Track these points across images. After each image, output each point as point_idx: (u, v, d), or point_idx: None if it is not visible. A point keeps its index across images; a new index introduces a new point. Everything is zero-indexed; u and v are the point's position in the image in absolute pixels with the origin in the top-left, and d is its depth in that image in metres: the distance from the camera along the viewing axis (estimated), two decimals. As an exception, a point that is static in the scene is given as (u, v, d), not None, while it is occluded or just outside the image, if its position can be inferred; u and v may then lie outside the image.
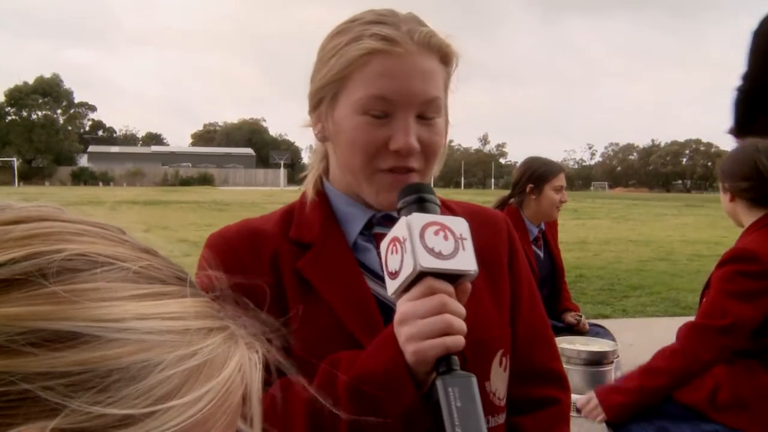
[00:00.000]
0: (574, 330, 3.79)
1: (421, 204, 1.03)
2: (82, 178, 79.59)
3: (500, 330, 1.25)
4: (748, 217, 2.57)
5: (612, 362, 3.33)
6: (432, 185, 1.20)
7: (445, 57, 1.17)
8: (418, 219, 0.98)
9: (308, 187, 1.29)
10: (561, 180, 3.78)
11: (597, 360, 3.26)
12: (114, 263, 0.45)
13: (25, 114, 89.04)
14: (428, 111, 1.14)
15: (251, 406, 0.49)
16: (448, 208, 1.31)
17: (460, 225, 1.00)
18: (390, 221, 1.20)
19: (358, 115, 1.13)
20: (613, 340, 3.75)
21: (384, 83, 1.11)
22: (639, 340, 5.41)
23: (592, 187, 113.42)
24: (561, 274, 4.01)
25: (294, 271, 1.18)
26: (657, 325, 6.63)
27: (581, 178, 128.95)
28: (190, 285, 0.49)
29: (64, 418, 0.38)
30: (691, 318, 2.54)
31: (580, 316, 3.90)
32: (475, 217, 1.32)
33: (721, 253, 2.55)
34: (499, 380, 1.23)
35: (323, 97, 1.18)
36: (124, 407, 0.39)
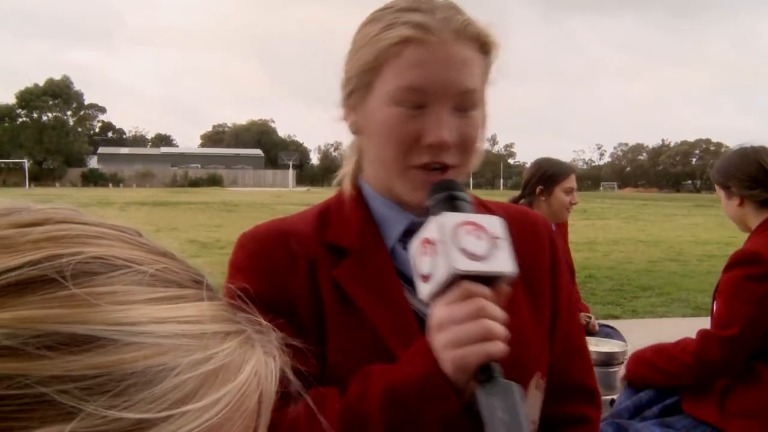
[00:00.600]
0: (584, 331, 3.77)
1: (452, 202, 0.98)
2: (92, 179, 79.97)
3: (539, 349, 1.20)
4: (756, 219, 2.56)
5: (622, 363, 3.32)
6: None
7: (484, 46, 1.09)
8: (450, 219, 0.93)
9: (344, 184, 1.22)
10: (571, 181, 3.76)
11: (607, 361, 3.25)
12: (131, 266, 0.45)
13: (35, 116, 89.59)
14: (464, 103, 1.07)
15: (263, 412, 0.49)
16: (486, 209, 1.25)
17: (494, 224, 0.95)
18: None
19: (391, 106, 1.06)
20: (623, 340, 3.73)
21: (418, 73, 1.04)
22: (649, 341, 5.37)
23: (601, 188, 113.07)
24: (571, 276, 3.99)
25: (331, 279, 1.12)
26: (667, 326, 6.60)
27: (590, 179, 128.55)
28: (206, 288, 0.49)
29: (80, 422, 0.38)
30: (701, 318, 2.55)
31: (590, 317, 3.88)
32: (514, 219, 1.25)
33: (731, 254, 2.54)
34: (534, 403, 1.18)
35: (355, 88, 1.12)
36: (140, 411, 0.39)
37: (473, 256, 0.91)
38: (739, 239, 2.67)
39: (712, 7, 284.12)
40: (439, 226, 0.93)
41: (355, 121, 1.15)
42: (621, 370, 2.81)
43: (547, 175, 3.72)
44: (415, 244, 0.96)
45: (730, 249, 2.77)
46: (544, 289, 1.23)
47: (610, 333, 3.87)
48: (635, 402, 2.70)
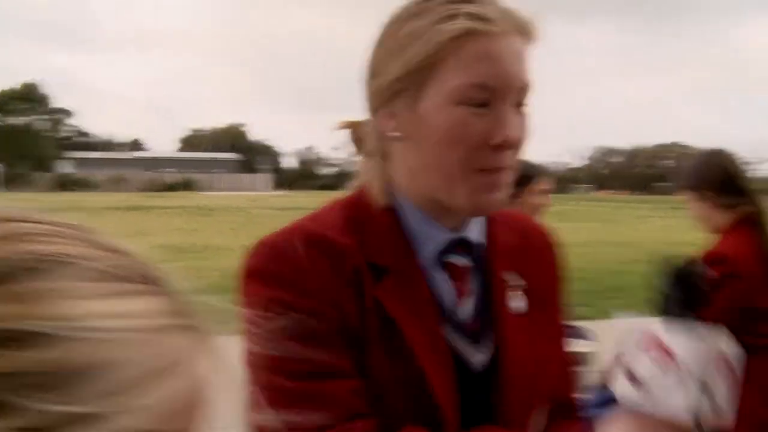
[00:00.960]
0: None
1: (700, 307, 0.81)
2: (64, 184, 78.96)
3: (555, 375, 1.17)
4: (723, 221, 2.63)
5: (591, 363, 3.36)
6: None
7: (530, 38, 1.02)
8: (706, 347, 0.78)
9: (375, 194, 1.08)
10: (544, 184, 3.79)
11: (575, 361, 3.28)
12: (79, 262, 0.45)
13: (6, 120, 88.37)
14: (522, 99, 1.01)
15: (212, 408, 0.49)
16: (492, 219, 1.15)
17: (734, 358, 0.80)
18: (465, 248, 1.09)
19: (455, 106, 0.97)
20: (594, 341, 3.77)
21: (485, 68, 0.96)
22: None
23: (577, 190, 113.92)
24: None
25: (372, 297, 1.01)
26: (639, 327, 6.68)
27: (566, 181, 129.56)
28: (158, 283, 0.49)
29: (21, 418, 0.38)
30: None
31: None
32: (519, 230, 1.19)
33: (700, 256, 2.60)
34: (538, 429, 1.15)
35: (402, 89, 1.01)
36: (83, 406, 0.39)
37: (715, 406, 0.78)
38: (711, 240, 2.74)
39: (688, 12, 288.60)
40: (692, 350, 0.78)
41: (400, 126, 1.03)
42: (591, 370, 2.85)
43: (519, 178, 3.74)
44: (644, 340, 0.82)
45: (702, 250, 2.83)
46: (554, 307, 1.20)
47: (581, 333, 3.91)
48: (600, 397, 2.76)
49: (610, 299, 8.69)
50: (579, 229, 20.10)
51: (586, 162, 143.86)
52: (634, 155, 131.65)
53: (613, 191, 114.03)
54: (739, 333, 2.45)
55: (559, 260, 1.24)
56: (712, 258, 2.51)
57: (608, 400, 2.65)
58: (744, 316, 2.46)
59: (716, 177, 2.63)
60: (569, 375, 1.25)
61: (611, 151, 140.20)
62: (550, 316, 1.18)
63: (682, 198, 2.78)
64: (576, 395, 1.26)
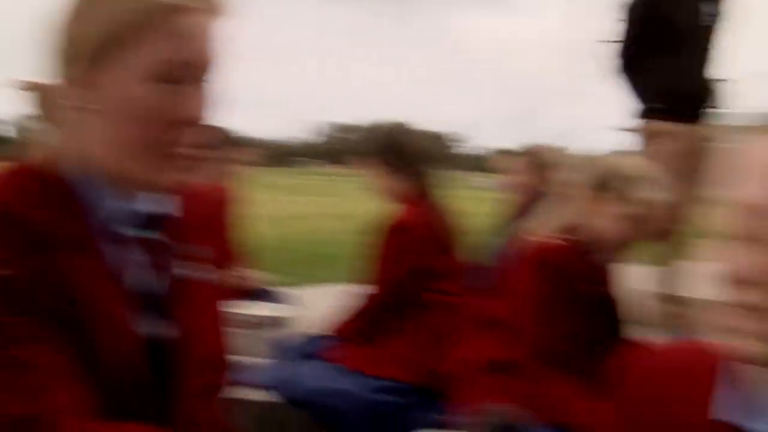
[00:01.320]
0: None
1: None
2: None
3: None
4: (402, 190, 2.81)
5: (281, 327, 3.40)
6: None
7: (222, 14, 1.00)
8: None
9: (58, 163, 1.01)
10: (244, 154, 3.80)
11: (260, 324, 3.26)
12: None
13: None
14: (209, 75, 0.99)
15: None
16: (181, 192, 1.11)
17: None
18: (156, 222, 1.07)
19: (146, 81, 0.94)
20: (295, 305, 3.84)
21: (183, 45, 0.94)
22: (328, 307, 5.64)
23: (309, 164, 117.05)
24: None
25: (56, 272, 0.94)
26: (347, 293, 7.00)
27: (300, 155, 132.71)
28: None
29: None
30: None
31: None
32: (205, 201, 1.21)
33: (384, 224, 2.76)
34: None
35: (89, 57, 0.94)
36: None
37: None
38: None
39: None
40: None
41: (88, 96, 0.96)
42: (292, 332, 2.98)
43: (216, 147, 3.73)
44: None
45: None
46: (226, 274, 1.23)
47: (280, 298, 3.95)
48: (299, 355, 2.92)
49: (321, 267, 9.07)
50: (304, 202, 20.79)
51: (323, 138, 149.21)
52: (368, 132, 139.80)
53: (344, 166, 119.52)
54: (418, 292, 2.71)
55: (235, 227, 1.25)
56: (395, 226, 2.69)
57: (306, 356, 2.77)
58: (423, 277, 2.72)
59: (397, 149, 2.81)
60: (224, 337, 1.25)
61: (347, 128, 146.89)
62: (225, 284, 1.22)
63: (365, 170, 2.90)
64: (229, 357, 1.25)
